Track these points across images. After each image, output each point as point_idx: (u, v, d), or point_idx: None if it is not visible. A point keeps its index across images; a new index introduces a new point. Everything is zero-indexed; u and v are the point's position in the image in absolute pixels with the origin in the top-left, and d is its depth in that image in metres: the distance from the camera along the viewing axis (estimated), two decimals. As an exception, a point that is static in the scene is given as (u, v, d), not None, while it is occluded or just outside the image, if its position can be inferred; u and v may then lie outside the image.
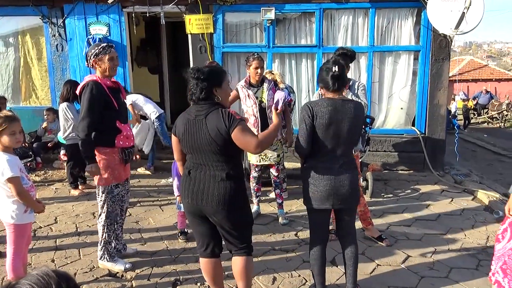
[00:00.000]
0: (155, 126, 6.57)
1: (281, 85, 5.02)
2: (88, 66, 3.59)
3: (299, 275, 3.57)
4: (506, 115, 17.14)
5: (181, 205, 4.24)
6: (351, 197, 2.93)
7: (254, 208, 4.90)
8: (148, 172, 6.76)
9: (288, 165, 6.27)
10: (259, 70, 4.43)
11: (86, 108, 3.36)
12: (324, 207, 2.94)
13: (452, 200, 5.48)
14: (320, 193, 2.89)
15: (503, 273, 2.89)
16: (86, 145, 3.40)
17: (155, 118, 6.53)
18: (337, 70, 2.83)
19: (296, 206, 5.24)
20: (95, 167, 3.42)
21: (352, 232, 3.12)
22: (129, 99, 6.36)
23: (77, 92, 3.52)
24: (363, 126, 3.07)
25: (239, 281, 2.87)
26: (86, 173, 3.52)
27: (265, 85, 4.51)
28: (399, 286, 3.40)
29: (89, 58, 3.47)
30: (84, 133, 3.35)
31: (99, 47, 3.48)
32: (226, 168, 2.65)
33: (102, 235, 3.61)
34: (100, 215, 3.61)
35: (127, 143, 3.58)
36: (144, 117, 6.60)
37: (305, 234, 4.40)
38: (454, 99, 20.53)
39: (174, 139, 2.84)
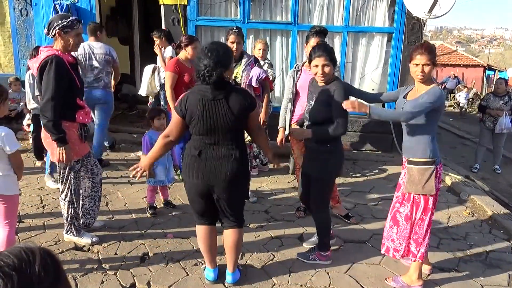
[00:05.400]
0: (162, 93, 6.46)
1: (262, 62, 4.95)
2: (47, 35, 3.30)
3: (268, 251, 3.62)
4: (472, 102, 17.75)
5: (151, 179, 4.19)
6: None
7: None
8: None
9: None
10: (235, 45, 4.34)
11: (54, 88, 3.13)
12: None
13: (417, 181, 5.63)
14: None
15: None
16: (57, 127, 3.21)
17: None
18: None
19: (266, 183, 5.27)
20: (68, 148, 3.28)
21: None
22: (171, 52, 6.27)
23: (35, 65, 3.25)
24: None
25: (229, 253, 2.99)
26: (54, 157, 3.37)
27: (243, 60, 4.44)
28: (363, 263, 3.51)
29: (52, 27, 3.21)
30: (53, 115, 3.16)
31: (69, 20, 3.25)
32: (238, 144, 2.78)
33: (68, 211, 3.51)
34: (63, 191, 3.48)
35: (86, 120, 3.47)
36: None
37: (274, 210, 4.45)
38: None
39: (177, 120, 2.77)
